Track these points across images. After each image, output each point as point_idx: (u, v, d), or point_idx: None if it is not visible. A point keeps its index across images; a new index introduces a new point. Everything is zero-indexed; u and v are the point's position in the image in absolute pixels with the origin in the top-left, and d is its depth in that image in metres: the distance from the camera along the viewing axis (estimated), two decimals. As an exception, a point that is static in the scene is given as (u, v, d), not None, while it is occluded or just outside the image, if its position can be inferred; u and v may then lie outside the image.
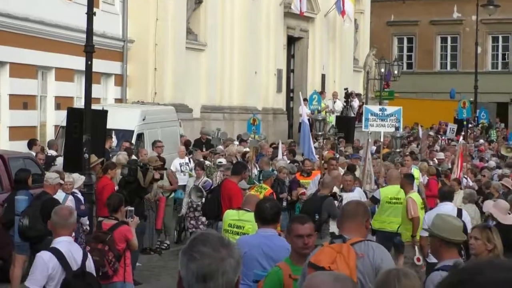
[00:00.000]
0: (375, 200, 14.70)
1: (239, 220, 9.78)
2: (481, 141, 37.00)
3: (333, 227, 13.08)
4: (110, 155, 17.25)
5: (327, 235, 12.78)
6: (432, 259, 9.80)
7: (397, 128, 21.17)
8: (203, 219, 15.62)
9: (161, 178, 15.87)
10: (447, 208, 11.92)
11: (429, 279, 6.43)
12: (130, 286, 10.25)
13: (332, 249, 5.82)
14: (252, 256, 7.47)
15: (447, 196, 12.70)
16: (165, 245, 17.31)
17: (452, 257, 6.48)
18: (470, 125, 38.44)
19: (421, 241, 12.64)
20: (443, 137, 34.21)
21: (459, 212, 12.25)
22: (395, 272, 4.76)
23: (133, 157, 16.98)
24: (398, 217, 14.14)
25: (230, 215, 10.01)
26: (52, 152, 18.60)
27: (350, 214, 6.32)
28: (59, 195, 12.42)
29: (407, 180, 14.25)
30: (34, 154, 17.62)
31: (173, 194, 17.55)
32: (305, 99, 28.19)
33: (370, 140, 20.20)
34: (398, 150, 22.57)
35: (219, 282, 3.35)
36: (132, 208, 10.91)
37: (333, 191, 13.97)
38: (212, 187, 16.02)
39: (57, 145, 19.47)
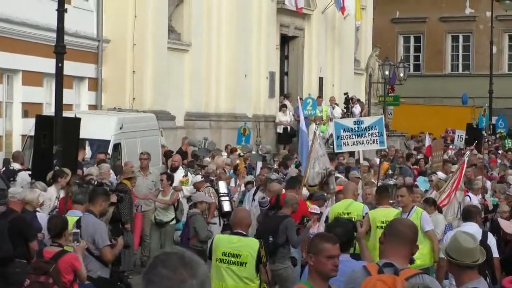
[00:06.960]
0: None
1: (234, 247, 9.52)
2: (500, 151, 36.93)
3: (293, 252, 12.77)
4: (84, 168, 17.24)
5: (284, 260, 12.37)
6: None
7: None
8: None
9: (120, 201, 14.12)
10: (471, 230, 11.11)
11: None
12: None
13: (384, 285, 5.64)
14: None
15: (470, 215, 12.13)
16: None
17: (472, 279, 6.37)
18: (485, 134, 38.57)
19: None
20: (451, 146, 34.13)
21: (484, 235, 11.85)
22: None
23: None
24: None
25: (223, 242, 9.70)
26: (15, 166, 18.24)
27: (406, 237, 6.03)
28: (41, 215, 12.22)
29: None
30: None
31: (174, 221, 16.76)
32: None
33: (317, 134, 18.59)
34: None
35: None
36: (77, 231, 9.98)
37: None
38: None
39: (22, 158, 18.96)
